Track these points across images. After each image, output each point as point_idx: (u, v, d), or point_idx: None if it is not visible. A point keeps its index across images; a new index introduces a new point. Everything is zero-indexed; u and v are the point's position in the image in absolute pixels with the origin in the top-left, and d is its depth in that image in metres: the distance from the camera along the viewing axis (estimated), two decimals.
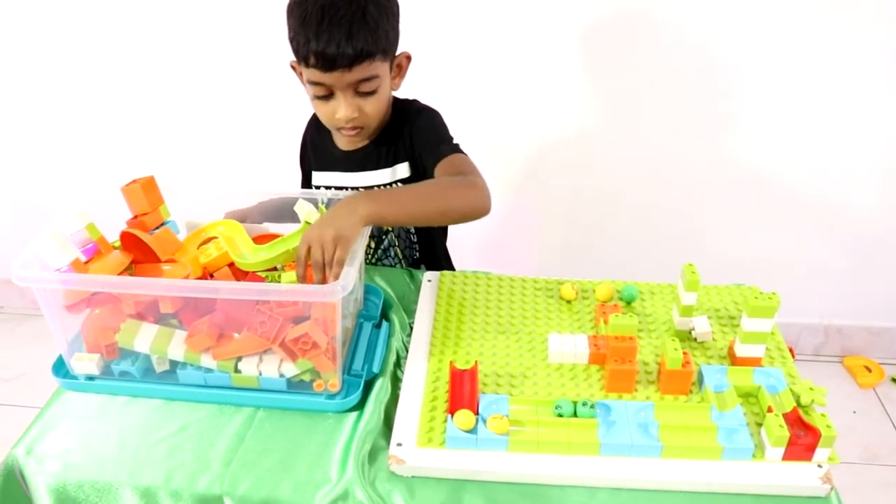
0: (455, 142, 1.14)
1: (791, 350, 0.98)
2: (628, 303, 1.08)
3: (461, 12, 1.57)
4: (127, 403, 0.91)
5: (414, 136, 1.16)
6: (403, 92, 1.18)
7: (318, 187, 1.25)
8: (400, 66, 1.12)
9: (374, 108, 1.09)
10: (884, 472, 1.67)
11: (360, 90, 1.06)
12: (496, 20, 1.57)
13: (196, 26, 1.64)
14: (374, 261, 1.28)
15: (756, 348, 0.94)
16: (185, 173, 1.84)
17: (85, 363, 0.91)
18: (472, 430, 0.82)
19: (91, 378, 0.92)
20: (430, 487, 0.80)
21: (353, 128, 1.10)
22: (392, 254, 1.28)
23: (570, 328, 1.02)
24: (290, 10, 1.04)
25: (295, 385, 0.90)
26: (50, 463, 0.84)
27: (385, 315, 1.07)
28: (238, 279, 0.96)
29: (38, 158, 1.90)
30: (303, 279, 0.88)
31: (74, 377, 0.93)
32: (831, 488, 0.79)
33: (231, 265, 0.97)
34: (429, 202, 0.97)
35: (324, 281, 0.86)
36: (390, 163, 1.18)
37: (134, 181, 0.97)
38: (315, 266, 0.86)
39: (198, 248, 0.98)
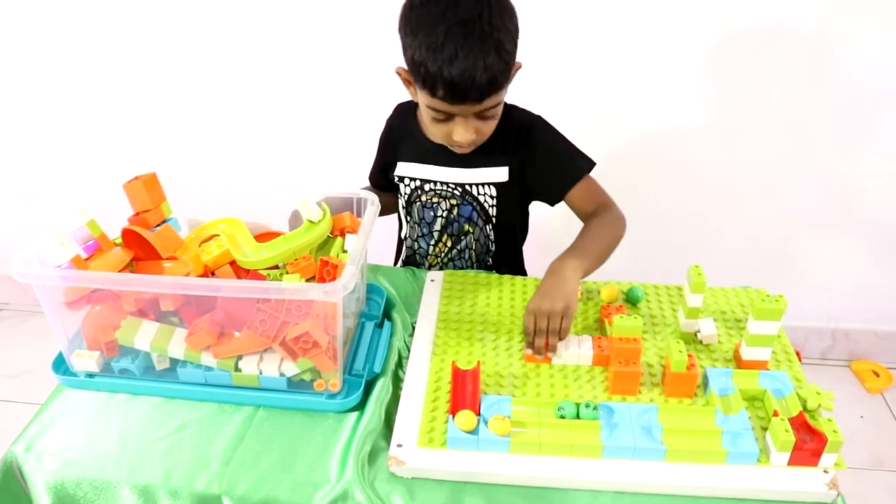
0: (580, 150, 1.16)
1: (798, 354, 0.97)
2: (633, 304, 1.07)
3: None
4: (127, 401, 0.91)
5: (538, 151, 1.14)
6: None
7: (401, 178, 1.21)
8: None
9: (492, 128, 1.07)
10: (891, 478, 1.65)
11: (482, 115, 1.02)
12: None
13: (198, 23, 1.63)
14: (446, 261, 1.26)
15: (762, 351, 0.93)
16: (188, 170, 1.83)
17: (85, 360, 0.91)
18: (474, 431, 0.82)
19: (91, 375, 0.92)
20: (431, 489, 0.79)
21: (469, 145, 1.08)
22: (467, 255, 1.25)
23: (574, 329, 1.01)
24: (412, 27, 0.97)
25: (295, 384, 0.89)
26: (49, 460, 0.84)
27: (387, 314, 1.06)
28: (239, 277, 0.95)
29: (40, 155, 1.90)
30: (531, 347, 0.95)
31: (74, 374, 0.92)
32: (838, 494, 0.78)
33: (232, 263, 0.96)
34: (608, 248, 1.07)
35: (549, 348, 0.94)
36: (487, 164, 1.15)
37: (136, 178, 0.96)
38: (541, 334, 0.94)
39: (199, 246, 0.98)
